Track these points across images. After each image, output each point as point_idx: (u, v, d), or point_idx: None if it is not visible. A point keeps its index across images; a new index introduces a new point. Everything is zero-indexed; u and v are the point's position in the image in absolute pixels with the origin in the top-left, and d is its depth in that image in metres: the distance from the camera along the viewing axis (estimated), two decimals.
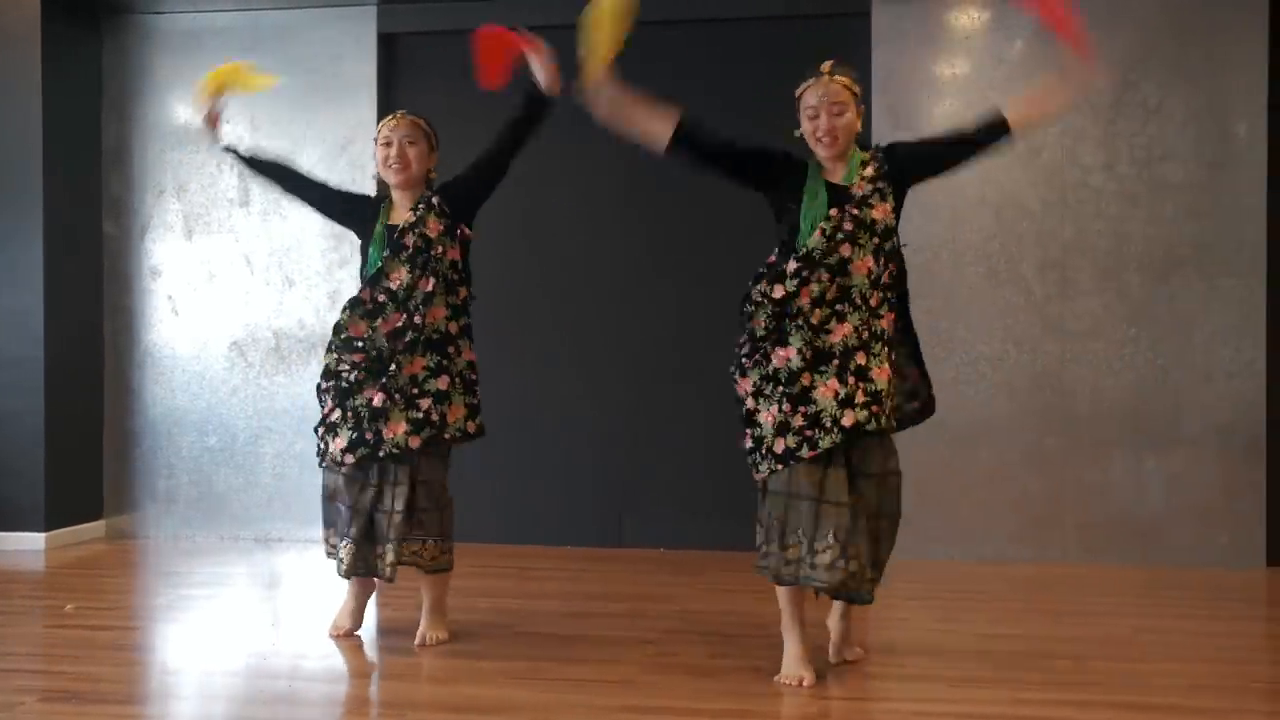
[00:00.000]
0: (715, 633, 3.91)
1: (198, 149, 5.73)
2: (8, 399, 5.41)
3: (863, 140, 3.48)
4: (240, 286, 5.70)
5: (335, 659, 3.68)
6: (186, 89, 5.72)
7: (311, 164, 5.61)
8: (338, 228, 5.54)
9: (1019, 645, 3.76)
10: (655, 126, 3.49)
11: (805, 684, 3.30)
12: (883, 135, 5.15)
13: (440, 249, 3.72)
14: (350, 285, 5.56)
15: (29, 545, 5.38)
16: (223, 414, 5.72)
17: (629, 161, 5.50)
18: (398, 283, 3.68)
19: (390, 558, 3.65)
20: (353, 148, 5.62)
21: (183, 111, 5.74)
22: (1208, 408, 5.01)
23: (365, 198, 4.04)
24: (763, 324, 3.34)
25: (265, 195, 5.69)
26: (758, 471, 3.35)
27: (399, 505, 3.66)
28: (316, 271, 5.63)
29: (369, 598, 3.94)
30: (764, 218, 3.77)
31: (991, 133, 3.45)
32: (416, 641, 3.75)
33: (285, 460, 5.66)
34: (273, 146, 5.64)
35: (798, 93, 3.41)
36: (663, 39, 5.49)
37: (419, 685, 3.45)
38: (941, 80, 5.20)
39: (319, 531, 5.44)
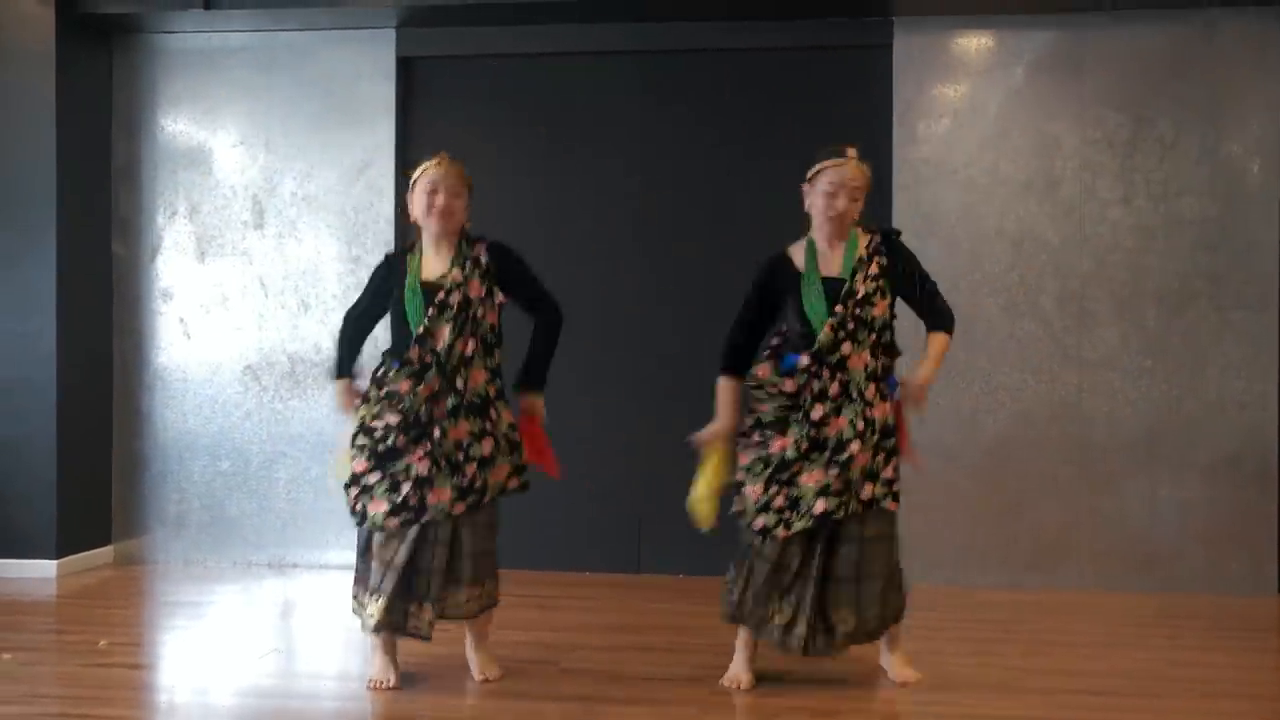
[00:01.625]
0: (760, 669, 3.93)
1: (210, 170, 5.68)
2: (19, 423, 5.33)
3: (867, 215, 3.74)
4: (254, 310, 5.65)
5: (378, 704, 3.67)
6: (200, 109, 5.68)
7: (328, 186, 5.61)
8: (354, 251, 5.59)
9: (1060, 681, 3.81)
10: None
11: (743, 686, 3.69)
12: (904, 162, 5.24)
13: (481, 311, 3.69)
14: None
15: (40, 573, 5.30)
16: (235, 438, 5.66)
17: (644, 187, 5.54)
18: (441, 343, 3.63)
19: (429, 615, 3.63)
20: (370, 171, 5.59)
21: (196, 132, 5.68)
22: (1220, 438, 5.11)
23: (386, 265, 3.84)
24: (770, 411, 3.63)
25: (280, 218, 5.64)
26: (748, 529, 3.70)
27: (438, 564, 3.64)
28: (333, 295, 5.59)
29: (396, 646, 3.81)
30: (779, 243, 3.87)
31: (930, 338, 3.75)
32: (478, 678, 3.75)
33: (300, 485, 5.61)
34: (288, 168, 5.64)
35: (816, 168, 3.63)
36: (686, 68, 5.52)
37: None
38: (960, 110, 5.25)
39: (334, 556, 5.48)
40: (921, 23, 5.26)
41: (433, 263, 3.73)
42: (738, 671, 3.74)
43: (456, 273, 3.68)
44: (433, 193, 3.68)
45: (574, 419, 5.55)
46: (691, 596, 5.04)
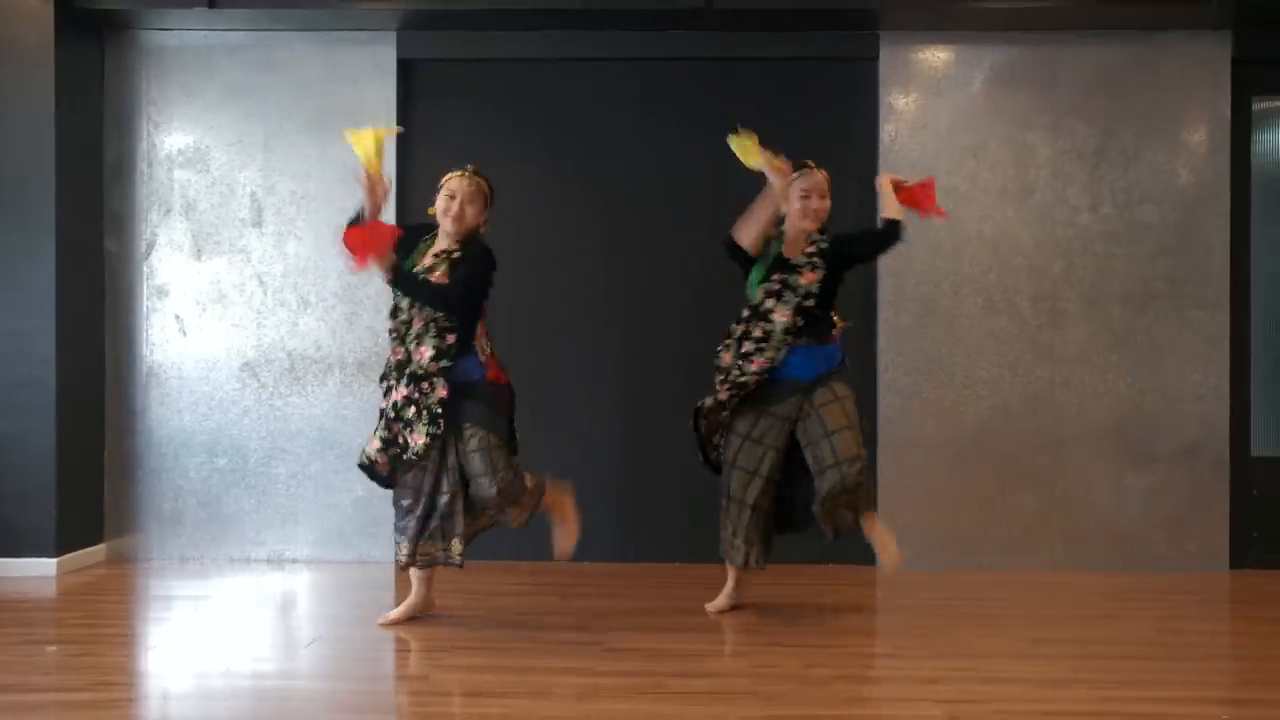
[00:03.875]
0: (794, 644, 4.17)
1: (207, 168, 5.71)
2: (17, 421, 5.28)
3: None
4: (252, 307, 5.69)
5: (443, 677, 3.80)
6: (197, 107, 5.71)
7: (328, 186, 5.68)
8: None
9: (1074, 648, 4.12)
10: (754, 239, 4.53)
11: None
12: (890, 169, 5.48)
13: None
14: (368, 307, 5.65)
15: (41, 571, 5.26)
16: (233, 435, 5.69)
17: (639, 190, 5.75)
18: (400, 315, 4.33)
19: (458, 548, 4.34)
20: None
21: (192, 130, 5.70)
22: (1179, 428, 5.53)
23: (415, 230, 4.49)
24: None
25: (280, 216, 5.69)
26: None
27: (457, 506, 4.34)
28: (334, 292, 5.66)
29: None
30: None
31: (885, 231, 4.53)
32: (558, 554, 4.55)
33: (300, 481, 5.67)
34: (287, 168, 5.70)
35: (790, 179, 4.42)
36: (681, 76, 5.74)
37: (581, 704, 3.50)
38: (941, 120, 5.58)
39: (335, 550, 5.57)
40: (905, 38, 5.58)
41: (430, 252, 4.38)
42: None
43: (429, 260, 4.33)
44: (450, 197, 4.35)
45: (569, 414, 5.74)
46: (698, 583, 5.23)
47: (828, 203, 4.49)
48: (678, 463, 5.72)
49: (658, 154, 5.76)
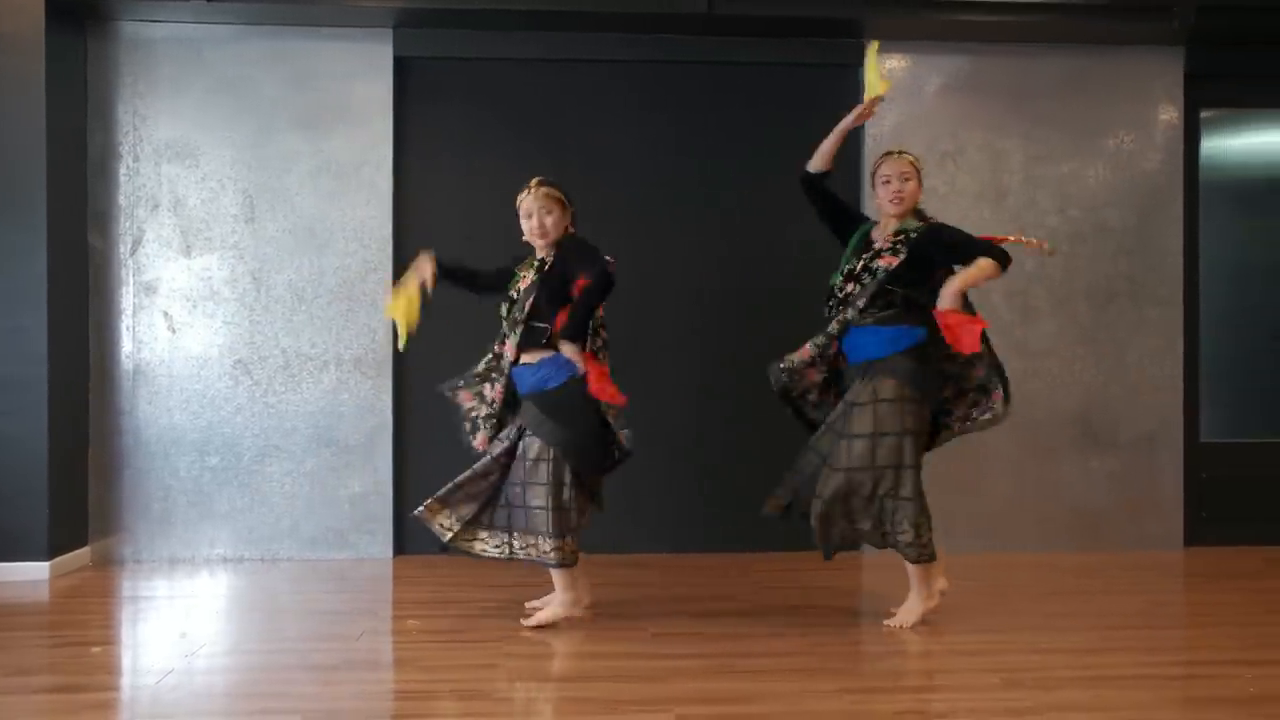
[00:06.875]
0: (831, 624, 4.36)
1: (196, 164, 5.61)
2: (8, 421, 5.13)
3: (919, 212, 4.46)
4: (245, 304, 5.62)
5: (515, 664, 3.87)
6: (186, 102, 5.61)
7: (322, 183, 5.65)
8: (350, 246, 5.67)
9: (1088, 620, 4.42)
10: (824, 155, 4.46)
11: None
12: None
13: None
14: (365, 303, 5.64)
15: (34, 575, 5.12)
16: (225, 433, 5.61)
17: (633, 187, 5.88)
18: None
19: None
20: (365, 168, 5.67)
21: (180, 125, 5.61)
22: (1138, 417, 5.93)
23: (512, 262, 4.53)
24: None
25: (273, 212, 5.64)
26: None
27: None
28: (330, 289, 5.63)
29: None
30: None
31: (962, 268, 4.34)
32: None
33: (295, 479, 5.62)
34: (280, 163, 5.65)
35: (874, 165, 4.46)
36: (673, 78, 5.88)
37: (666, 684, 3.61)
38: (922, 127, 5.87)
39: (329, 550, 5.53)
40: (887, 46, 5.83)
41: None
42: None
43: (527, 275, 4.39)
44: (529, 217, 4.33)
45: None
46: (700, 571, 5.40)
47: (911, 185, 4.33)
48: (678, 456, 5.87)
49: (652, 154, 5.89)
